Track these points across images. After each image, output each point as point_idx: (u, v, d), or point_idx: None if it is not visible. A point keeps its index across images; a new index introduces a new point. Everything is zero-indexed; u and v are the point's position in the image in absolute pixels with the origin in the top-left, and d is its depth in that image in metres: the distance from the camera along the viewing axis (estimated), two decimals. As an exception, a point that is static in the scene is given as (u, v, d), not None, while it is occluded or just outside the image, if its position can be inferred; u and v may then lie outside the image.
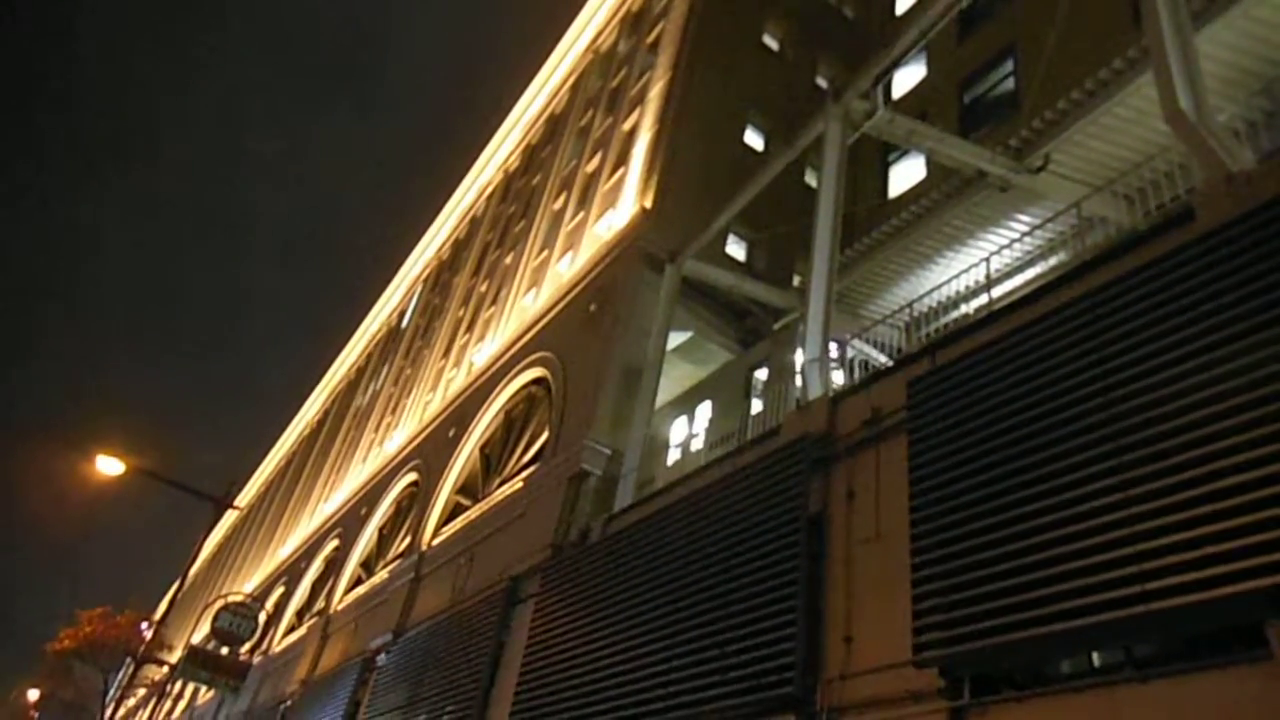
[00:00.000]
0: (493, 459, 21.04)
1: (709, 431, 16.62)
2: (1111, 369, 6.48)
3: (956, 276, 13.03)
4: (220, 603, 21.06)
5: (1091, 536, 5.88)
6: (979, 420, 7.39)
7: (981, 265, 12.56)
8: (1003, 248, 12.87)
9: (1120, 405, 6.23)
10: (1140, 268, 6.81)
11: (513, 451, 19.63)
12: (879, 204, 17.95)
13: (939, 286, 13.27)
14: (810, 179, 20.82)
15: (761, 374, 16.56)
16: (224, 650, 20.95)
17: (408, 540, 23.09)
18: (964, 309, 13.07)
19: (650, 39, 26.09)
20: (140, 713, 54.51)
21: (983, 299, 12.17)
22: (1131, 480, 5.83)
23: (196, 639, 33.10)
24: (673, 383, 18.46)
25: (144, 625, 49.02)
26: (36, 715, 71.99)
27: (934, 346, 9.07)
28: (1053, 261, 12.24)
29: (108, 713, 42.33)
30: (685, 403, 18.61)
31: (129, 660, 43.95)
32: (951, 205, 13.07)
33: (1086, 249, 9.96)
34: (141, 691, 51.83)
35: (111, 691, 49.47)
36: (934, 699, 6.63)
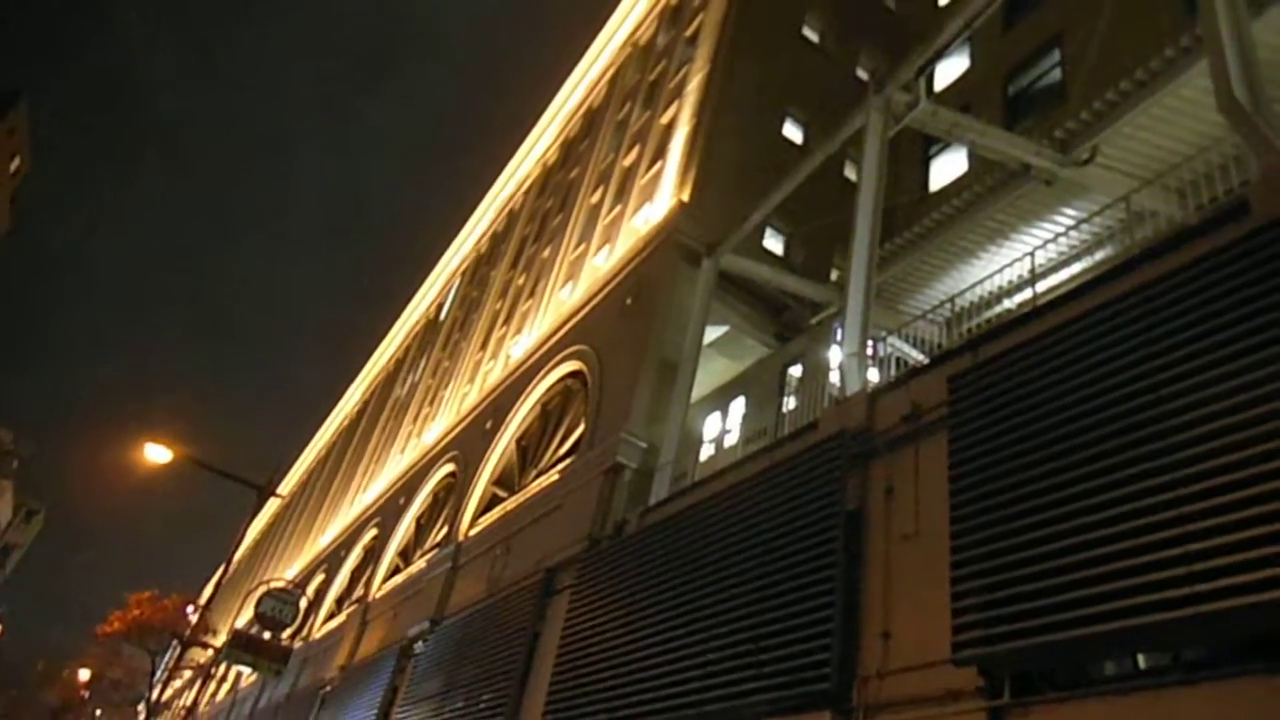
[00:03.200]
0: (529, 451, 21.19)
1: (743, 427, 16.56)
2: (1161, 365, 6.34)
3: (999, 271, 12.82)
4: (263, 588, 21.47)
5: (1139, 536, 5.76)
6: (1023, 416, 7.27)
7: (1025, 260, 12.34)
8: (1047, 242, 12.64)
9: (1170, 403, 6.09)
10: (1192, 262, 6.65)
11: (549, 444, 19.75)
12: (919, 198, 17.71)
13: (981, 281, 13.06)
14: (850, 172, 20.60)
15: (796, 371, 16.45)
16: (266, 635, 21.35)
17: (445, 530, 23.36)
18: (1007, 304, 12.85)
19: (689, 31, 25.98)
20: (186, 693, 55.87)
21: (1026, 294, 11.96)
22: (1182, 480, 5.70)
23: (240, 623, 33.83)
24: (709, 377, 18.41)
25: (190, 609, 50.25)
26: (87, 694, 74.27)
27: (976, 342, 8.94)
28: (1099, 256, 11.99)
29: (155, 693, 43.49)
30: (719, 398, 18.55)
31: (175, 642, 45.07)
32: (994, 199, 12.88)
33: (1135, 243, 9.73)
34: (188, 673, 53.13)
35: (159, 673, 50.82)
36: (973, 698, 6.56)
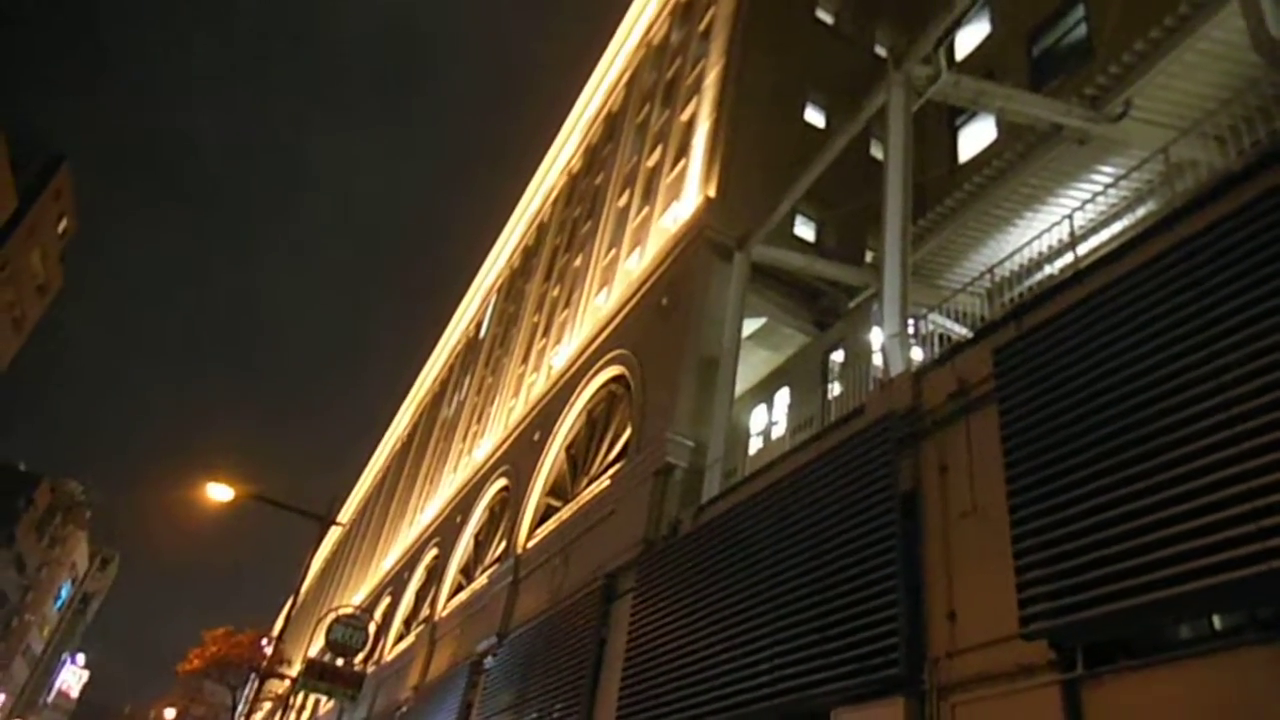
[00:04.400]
0: (579, 459, 21.29)
1: (789, 418, 16.45)
2: (1214, 318, 6.15)
3: (1038, 237, 12.55)
4: (332, 616, 21.87)
5: (1203, 495, 5.60)
6: (1073, 383, 7.11)
7: (1064, 223, 12.06)
8: (1085, 203, 12.33)
9: (1227, 356, 5.92)
10: (1239, 209, 6.45)
11: (597, 451, 19.82)
12: (950, 170, 17.42)
13: (1019, 249, 12.80)
14: (876, 151, 20.36)
15: (838, 356, 16.28)
16: (339, 661, 21.75)
17: (503, 545, 23.58)
18: (1048, 270, 12.57)
19: (702, 26, 25.93)
20: (268, 724, 57.14)
21: (1067, 258, 11.69)
22: (1243, 434, 5.53)
23: (313, 652, 34.55)
24: (751, 370, 18.33)
25: (264, 641, 51.39)
26: (175, 732, 76.39)
27: (1019, 311, 8.76)
28: (1141, 212, 11.67)
29: (238, 725, 44.51)
30: (763, 391, 18.45)
31: (253, 675, 46.10)
32: (1027, 164, 12.61)
33: (1177, 196, 9.45)
34: (268, 705, 54.36)
35: (240, 706, 52.07)
36: (1046, 671, 6.43)
